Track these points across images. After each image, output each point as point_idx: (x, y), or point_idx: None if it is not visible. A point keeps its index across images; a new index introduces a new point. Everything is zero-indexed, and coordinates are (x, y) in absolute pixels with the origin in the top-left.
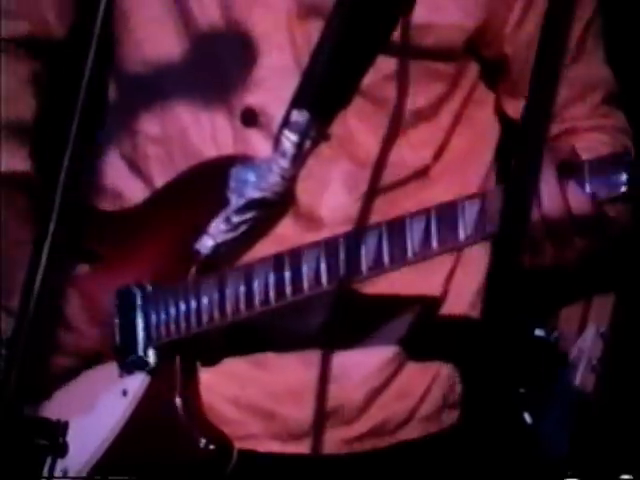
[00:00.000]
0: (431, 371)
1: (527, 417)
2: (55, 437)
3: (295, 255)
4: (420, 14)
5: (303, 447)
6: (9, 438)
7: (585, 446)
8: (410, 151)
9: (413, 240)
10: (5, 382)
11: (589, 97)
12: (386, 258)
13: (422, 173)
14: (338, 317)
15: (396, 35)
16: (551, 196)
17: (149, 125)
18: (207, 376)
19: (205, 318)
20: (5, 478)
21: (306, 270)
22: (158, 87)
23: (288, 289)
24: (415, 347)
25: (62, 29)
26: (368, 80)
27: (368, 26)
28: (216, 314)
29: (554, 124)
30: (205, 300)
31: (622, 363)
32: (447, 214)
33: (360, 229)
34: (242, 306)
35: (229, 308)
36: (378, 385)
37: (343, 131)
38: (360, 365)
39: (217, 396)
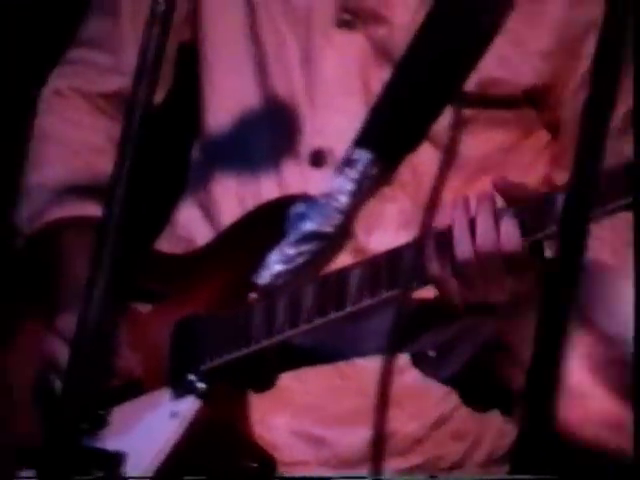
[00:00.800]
0: (483, 421)
1: None
2: (112, 468)
3: (340, 274)
4: (489, 67)
5: (354, 474)
6: (67, 469)
7: None
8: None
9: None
10: (62, 414)
11: None
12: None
13: None
14: (392, 338)
15: (465, 85)
16: (485, 228)
17: (224, 176)
18: (260, 403)
19: (253, 339)
20: None
21: (349, 287)
22: (234, 136)
23: (331, 307)
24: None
25: (161, 92)
26: (436, 126)
27: (440, 74)
28: (263, 334)
29: None
30: (253, 321)
31: None
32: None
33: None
34: (287, 325)
35: (275, 328)
36: (433, 420)
37: (406, 174)
38: (415, 396)
39: (269, 423)
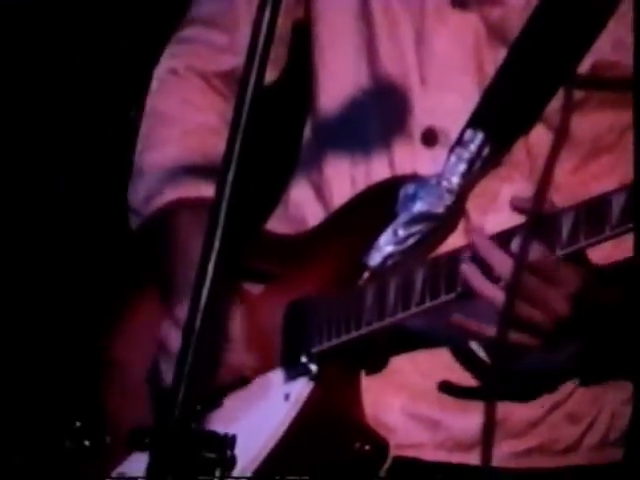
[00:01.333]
0: (598, 402)
1: None
2: (223, 450)
3: (451, 256)
4: (603, 50)
5: (470, 457)
6: (179, 452)
7: None
8: (592, 180)
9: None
10: (174, 397)
11: None
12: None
13: None
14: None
15: (579, 67)
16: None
17: (336, 156)
18: (374, 385)
19: (364, 322)
20: None
21: (458, 269)
22: (346, 116)
23: (442, 289)
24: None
25: (274, 72)
26: (549, 108)
27: (554, 56)
28: (374, 317)
29: None
30: (364, 304)
31: None
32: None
33: (513, 227)
34: (399, 308)
35: (386, 310)
36: (549, 403)
37: (521, 154)
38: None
39: (383, 405)
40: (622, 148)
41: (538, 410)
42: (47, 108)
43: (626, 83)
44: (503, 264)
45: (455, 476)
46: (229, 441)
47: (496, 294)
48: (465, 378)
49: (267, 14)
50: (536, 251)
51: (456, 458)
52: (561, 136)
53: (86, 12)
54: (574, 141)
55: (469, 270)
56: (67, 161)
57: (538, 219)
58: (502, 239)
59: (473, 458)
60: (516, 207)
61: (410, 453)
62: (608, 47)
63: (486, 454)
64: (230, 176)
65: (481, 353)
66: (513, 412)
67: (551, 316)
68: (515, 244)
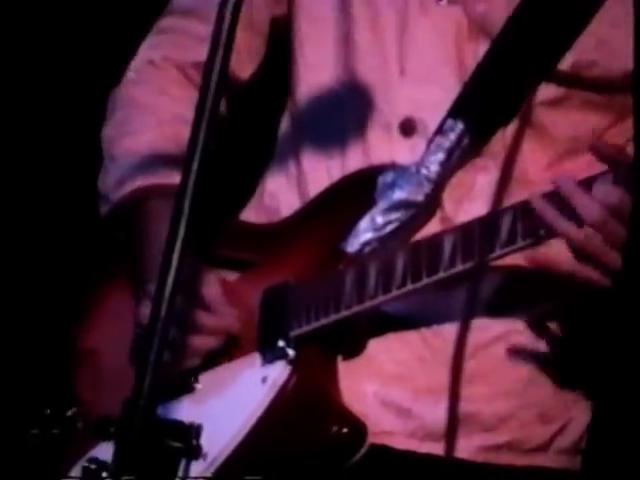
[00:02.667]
0: (571, 408)
1: None
2: (189, 440)
3: (433, 239)
4: (586, 48)
5: (440, 448)
6: (144, 441)
7: None
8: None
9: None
10: (139, 388)
11: None
12: (519, 239)
13: None
14: (480, 308)
15: (560, 64)
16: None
17: (311, 146)
18: (349, 371)
19: (343, 305)
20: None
21: (443, 253)
22: (323, 107)
23: (424, 272)
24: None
25: (252, 64)
26: (528, 104)
27: (535, 52)
28: (354, 300)
29: None
30: (344, 288)
31: None
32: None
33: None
34: (379, 291)
35: (366, 294)
36: (521, 400)
37: (498, 146)
38: (503, 373)
39: (356, 391)
40: None
41: (509, 406)
42: (47, 108)
43: (607, 84)
44: (587, 205)
45: (424, 465)
46: (194, 430)
47: (573, 230)
48: (434, 369)
49: (231, 1)
50: (618, 194)
51: (426, 448)
52: (539, 132)
53: (86, 12)
54: (550, 138)
55: (549, 212)
56: (67, 161)
57: (623, 166)
58: (583, 184)
59: (443, 448)
60: (597, 152)
61: (381, 440)
62: (590, 45)
63: (450, 445)
64: (195, 164)
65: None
66: (484, 406)
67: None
68: (596, 187)
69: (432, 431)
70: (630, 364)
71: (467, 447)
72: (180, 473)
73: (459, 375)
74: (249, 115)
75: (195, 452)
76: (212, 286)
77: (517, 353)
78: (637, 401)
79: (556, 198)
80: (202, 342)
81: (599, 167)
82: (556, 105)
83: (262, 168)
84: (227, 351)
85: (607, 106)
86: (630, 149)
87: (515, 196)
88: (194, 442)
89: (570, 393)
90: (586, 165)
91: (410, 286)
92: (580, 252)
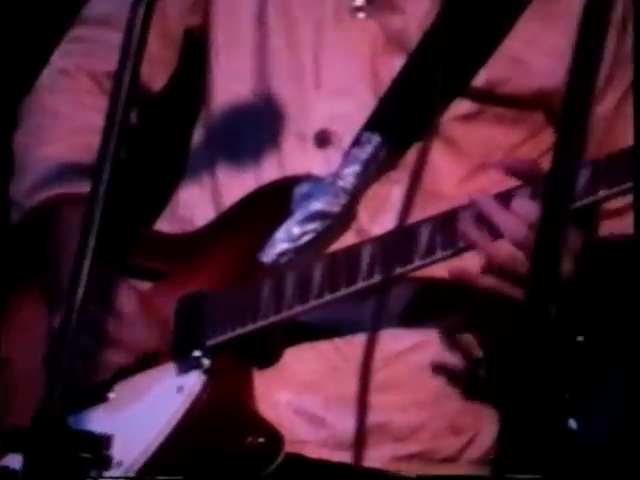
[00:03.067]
0: (481, 419)
1: (572, 423)
2: (99, 450)
3: (351, 249)
4: (499, 65)
5: (350, 457)
6: (54, 452)
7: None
8: (478, 192)
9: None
10: (49, 398)
11: None
12: (438, 250)
13: None
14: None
15: (474, 80)
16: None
17: (226, 157)
18: (263, 380)
19: (260, 315)
20: None
21: (361, 263)
22: (237, 119)
23: (342, 282)
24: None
25: (164, 75)
26: (442, 118)
27: (450, 68)
28: (271, 310)
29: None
30: (261, 297)
31: None
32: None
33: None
34: (297, 301)
35: (284, 303)
36: (432, 411)
37: (413, 159)
38: (414, 384)
39: (270, 399)
40: None
41: (421, 416)
42: None
43: (520, 101)
44: (507, 222)
45: (336, 475)
46: (104, 441)
47: (497, 248)
48: (347, 378)
49: (141, 10)
50: (538, 210)
51: (337, 457)
52: (453, 147)
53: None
54: (463, 152)
55: (470, 227)
56: None
57: (538, 180)
58: (501, 200)
59: (354, 458)
60: (508, 168)
61: (294, 449)
62: (503, 63)
63: (361, 454)
64: (105, 174)
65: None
66: (395, 416)
67: None
68: (515, 203)
69: (344, 440)
70: (539, 376)
71: (379, 457)
72: None
73: (368, 384)
74: (162, 125)
75: (105, 463)
76: (129, 300)
77: (429, 364)
78: (543, 412)
79: (478, 215)
80: (116, 357)
81: (512, 182)
82: (469, 120)
83: (175, 178)
84: (144, 366)
85: (519, 122)
86: (545, 163)
87: (429, 209)
88: (104, 452)
89: (479, 404)
90: (499, 180)
91: (328, 296)
92: (503, 270)
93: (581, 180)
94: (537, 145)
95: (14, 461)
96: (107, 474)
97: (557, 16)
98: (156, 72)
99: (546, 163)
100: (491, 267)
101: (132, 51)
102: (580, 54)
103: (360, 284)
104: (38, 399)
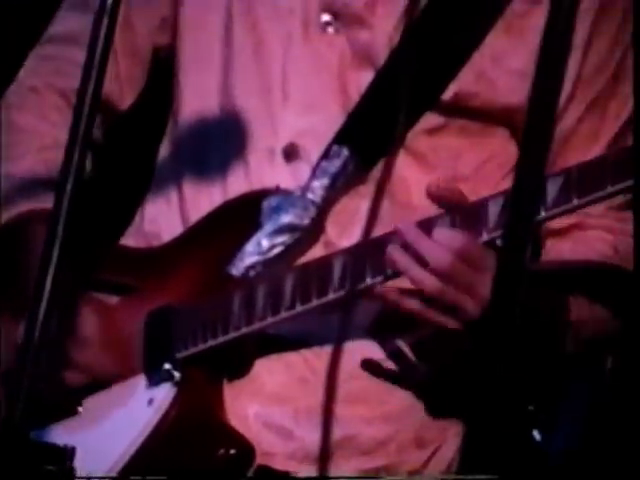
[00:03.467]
0: (445, 431)
1: (536, 434)
2: (62, 462)
3: (321, 262)
4: (467, 80)
5: (317, 470)
6: (17, 464)
7: (593, 463)
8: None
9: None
10: (11, 409)
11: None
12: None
13: None
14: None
15: (442, 94)
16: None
17: (192, 172)
18: (232, 392)
19: (231, 327)
20: None
21: (333, 274)
22: (203, 134)
23: (314, 294)
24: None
25: (132, 92)
26: (410, 132)
27: (418, 83)
28: (242, 322)
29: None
30: (232, 309)
31: (633, 377)
32: (470, 214)
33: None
34: (268, 312)
35: (255, 315)
36: (398, 425)
37: (382, 174)
38: (381, 397)
39: (238, 412)
40: (477, 182)
41: (388, 429)
42: None
43: (488, 115)
44: (431, 250)
45: None
46: (68, 453)
47: (424, 277)
48: (315, 390)
49: (104, 24)
50: (461, 238)
51: (304, 469)
52: (421, 160)
53: None
54: (430, 165)
55: (398, 255)
56: None
57: (459, 208)
58: (424, 228)
59: (320, 470)
60: (433, 196)
61: (262, 461)
62: (471, 78)
63: (327, 467)
64: (68, 188)
65: (406, 349)
66: (363, 429)
67: (477, 300)
68: (437, 232)
69: (311, 453)
70: (503, 387)
71: (346, 470)
72: None
73: (335, 397)
74: (127, 141)
75: (68, 475)
76: (88, 322)
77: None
78: (507, 423)
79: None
80: (75, 378)
81: (484, 192)
82: (435, 133)
83: (140, 194)
84: (103, 387)
85: (483, 135)
86: (507, 183)
87: (399, 221)
88: (67, 464)
89: (443, 419)
90: (469, 191)
91: (299, 308)
92: (430, 299)
93: (553, 190)
94: (501, 162)
95: None
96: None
97: (524, 32)
98: (125, 90)
99: (509, 180)
100: (426, 299)
101: (95, 62)
102: (541, 73)
103: (331, 295)
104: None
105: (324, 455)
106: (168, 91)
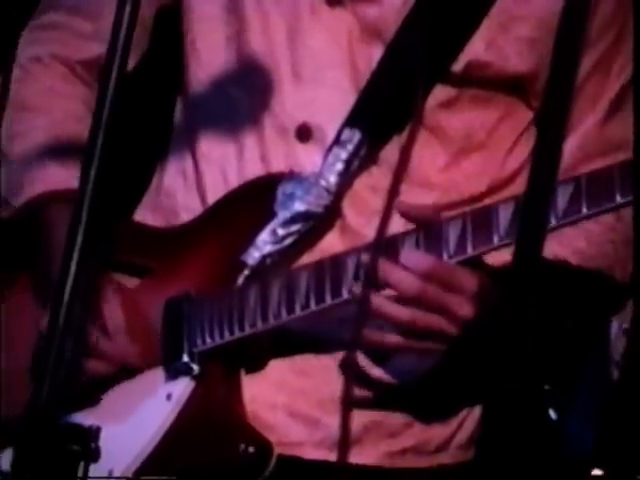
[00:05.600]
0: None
1: (552, 414)
2: (87, 443)
3: (335, 260)
4: (477, 50)
5: (347, 456)
6: (45, 444)
7: (610, 444)
8: (464, 180)
9: (449, 244)
10: (39, 391)
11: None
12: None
13: (477, 199)
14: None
15: (453, 66)
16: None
17: (207, 146)
18: (254, 384)
19: (247, 323)
20: None
21: (345, 275)
22: (218, 109)
23: (328, 294)
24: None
25: (132, 59)
26: (422, 107)
27: (428, 56)
28: (258, 319)
29: None
30: (247, 306)
31: None
32: (482, 218)
33: (396, 235)
34: (283, 310)
35: (271, 313)
36: (424, 404)
37: (395, 154)
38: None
39: (263, 404)
40: (491, 147)
41: (412, 412)
42: None
43: (498, 83)
44: (403, 280)
45: (333, 473)
46: (92, 433)
47: (399, 311)
48: (340, 378)
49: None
50: (427, 260)
51: (334, 456)
52: (434, 134)
53: None
54: (445, 138)
55: (376, 298)
56: None
57: (426, 228)
58: (390, 251)
59: (351, 456)
60: (405, 215)
61: (290, 451)
62: (481, 48)
63: (357, 452)
64: (92, 172)
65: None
66: (390, 413)
67: (456, 321)
68: (404, 256)
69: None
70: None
71: (375, 453)
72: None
73: (345, 380)
74: (140, 106)
75: (93, 454)
76: (114, 309)
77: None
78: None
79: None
80: (100, 368)
81: (493, 166)
82: (449, 106)
83: (154, 161)
84: (121, 378)
85: (493, 102)
86: (524, 147)
87: (417, 200)
88: (92, 444)
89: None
90: (480, 161)
91: (314, 307)
92: (410, 330)
93: (563, 199)
94: (514, 124)
95: (7, 460)
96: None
97: (529, 1)
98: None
99: (524, 142)
100: (403, 332)
101: (120, 44)
102: (557, 64)
103: (345, 296)
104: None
105: (356, 440)
106: (177, 56)
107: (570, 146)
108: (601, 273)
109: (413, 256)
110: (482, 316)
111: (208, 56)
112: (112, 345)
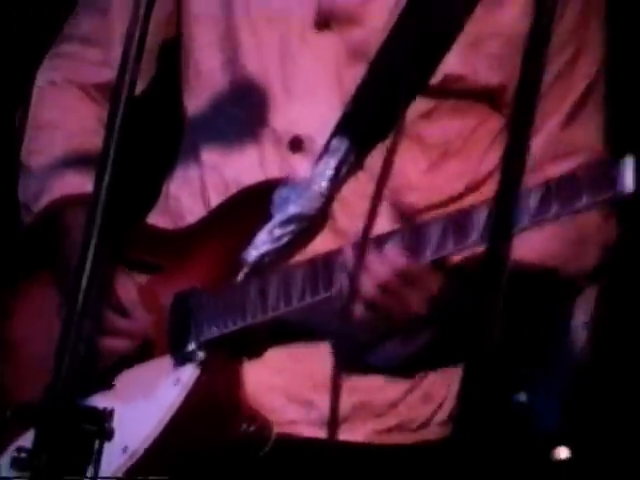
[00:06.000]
0: (448, 383)
1: (522, 396)
2: (102, 423)
3: (327, 257)
4: (452, 65)
5: (338, 434)
6: (62, 424)
7: (576, 421)
8: (444, 181)
9: (432, 243)
10: (57, 375)
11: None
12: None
13: (456, 199)
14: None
15: (431, 79)
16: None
17: (210, 157)
18: (254, 370)
19: (248, 315)
20: (60, 459)
21: (337, 271)
22: (216, 124)
23: (321, 287)
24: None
25: (141, 83)
26: (403, 117)
27: (409, 70)
28: (258, 311)
29: None
30: (248, 299)
31: (604, 351)
32: (461, 219)
33: (385, 234)
34: (281, 303)
35: (269, 305)
36: (408, 385)
37: (380, 161)
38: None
39: (263, 387)
40: (468, 151)
41: (398, 392)
42: None
43: (471, 94)
44: (378, 268)
45: (325, 449)
46: (107, 414)
47: (365, 285)
48: (330, 363)
49: (137, 32)
50: (404, 259)
51: (325, 434)
52: (415, 142)
53: None
54: (425, 145)
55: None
56: None
57: (409, 228)
58: (377, 242)
59: (342, 433)
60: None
61: (287, 430)
62: (456, 63)
63: (347, 431)
64: (105, 181)
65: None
66: (376, 394)
67: (407, 313)
68: (387, 248)
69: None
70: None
71: (363, 431)
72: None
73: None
74: (150, 121)
75: (107, 434)
76: (129, 289)
77: None
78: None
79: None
80: (116, 344)
81: (469, 171)
82: (428, 116)
83: (164, 171)
84: (141, 355)
85: (470, 111)
86: (498, 146)
87: (400, 201)
88: (106, 425)
89: (446, 371)
90: (458, 164)
91: (309, 299)
92: (371, 304)
93: (533, 201)
94: (488, 131)
95: (29, 440)
96: (116, 457)
97: (497, 19)
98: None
99: (498, 146)
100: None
101: (129, 68)
102: (524, 74)
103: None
104: (47, 378)
105: (336, 420)
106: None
107: (535, 146)
108: (556, 269)
109: (394, 251)
110: (435, 313)
111: (208, 78)
112: (131, 321)
